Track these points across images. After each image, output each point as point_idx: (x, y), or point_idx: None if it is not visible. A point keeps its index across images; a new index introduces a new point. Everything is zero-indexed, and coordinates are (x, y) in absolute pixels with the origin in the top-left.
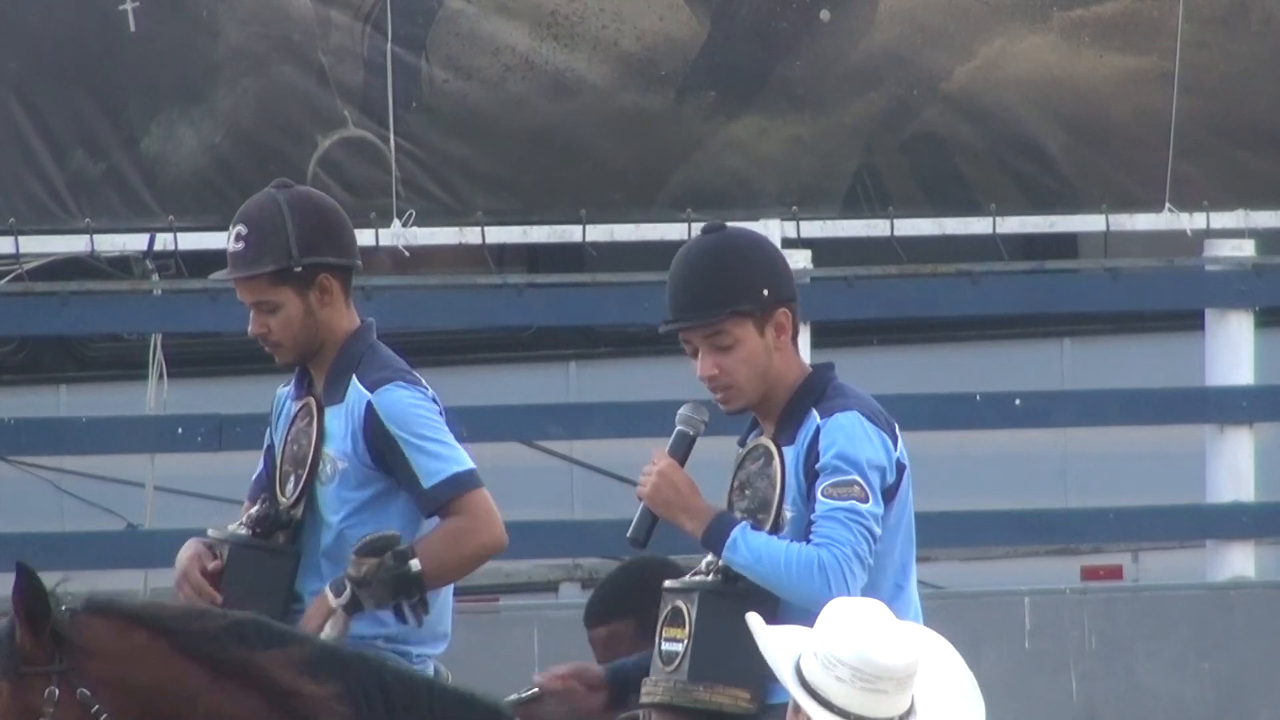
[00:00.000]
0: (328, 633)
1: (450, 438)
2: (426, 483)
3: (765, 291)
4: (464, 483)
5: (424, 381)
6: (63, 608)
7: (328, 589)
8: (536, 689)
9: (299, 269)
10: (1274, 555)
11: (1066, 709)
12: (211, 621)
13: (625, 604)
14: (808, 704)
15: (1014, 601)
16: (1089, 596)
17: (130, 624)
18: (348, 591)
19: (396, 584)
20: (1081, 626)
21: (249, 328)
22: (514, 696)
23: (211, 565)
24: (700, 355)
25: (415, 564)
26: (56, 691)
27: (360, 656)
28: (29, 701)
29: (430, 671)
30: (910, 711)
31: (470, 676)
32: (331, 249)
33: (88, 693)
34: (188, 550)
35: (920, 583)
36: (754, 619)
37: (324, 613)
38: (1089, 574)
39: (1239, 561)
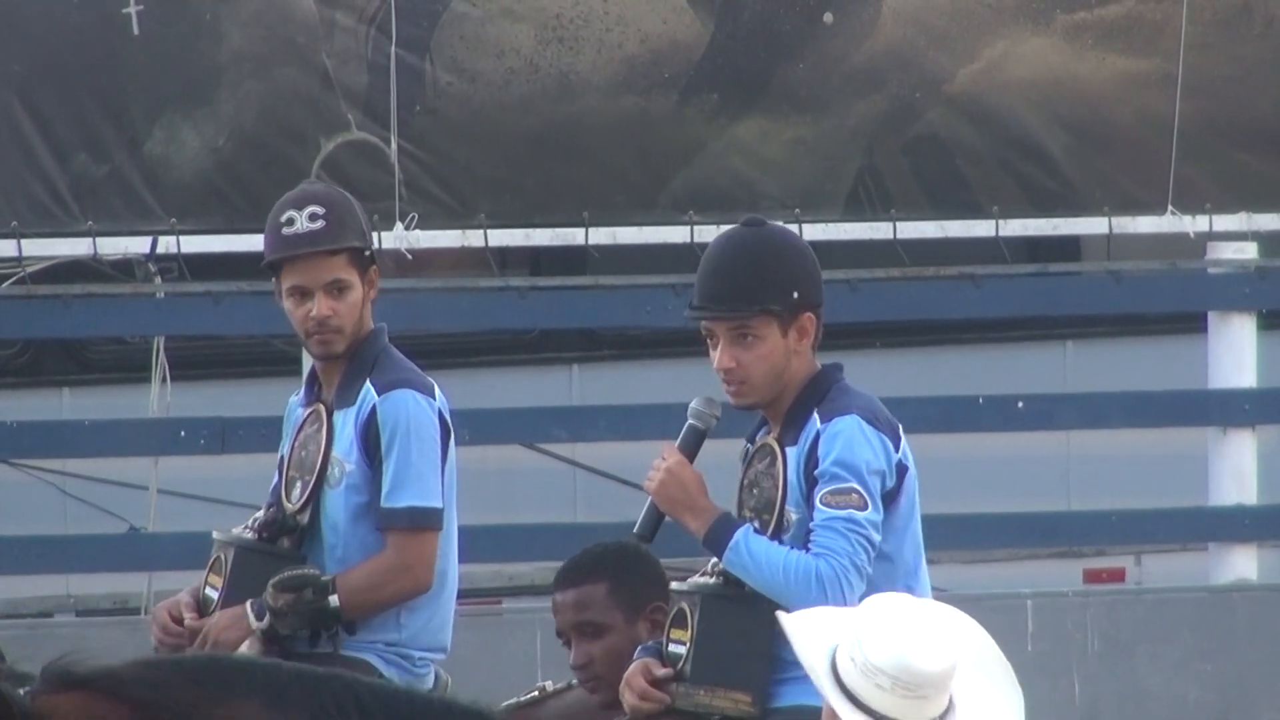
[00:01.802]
0: (243, 652)
1: (434, 465)
2: (385, 501)
3: (795, 294)
4: (416, 519)
5: (437, 391)
6: (22, 691)
7: (249, 609)
8: (536, 692)
9: (368, 253)
10: (1276, 558)
11: (1069, 712)
12: (164, 671)
13: (600, 568)
14: (846, 712)
15: (1016, 604)
16: (1091, 599)
17: (84, 693)
18: (267, 618)
19: (314, 616)
20: (1084, 629)
21: (312, 311)
22: (514, 700)
23: (189, 616)
24: (720, 347)
25: (334, 600)
26: None
27: (334, 676)
28: None
29: (431, 676)
30: (950, 709)
31: (472, 678)
32: (369, 245)
33: None
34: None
35: None
36: (787, 618)
37: (243, 629)
38: (1091, 576)
39: (1241, 564)
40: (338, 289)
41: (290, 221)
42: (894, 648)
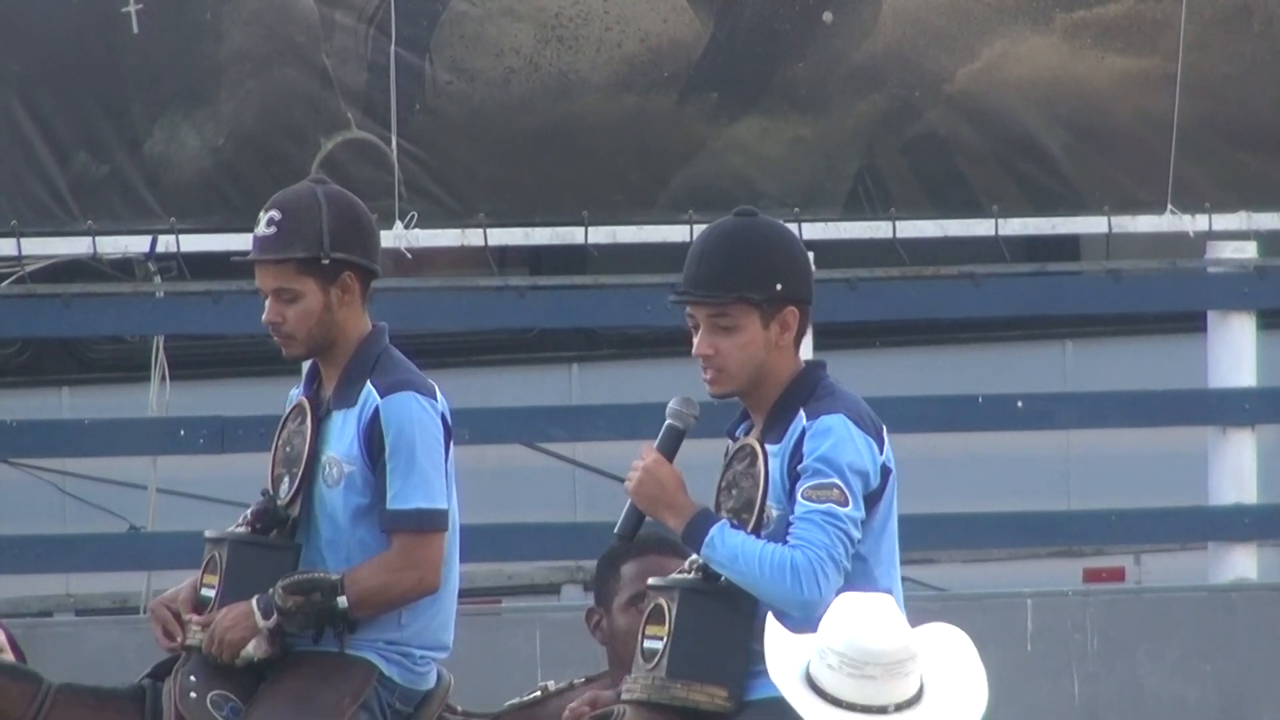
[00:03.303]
0: (250, 652)
1: (439, 468)
2: (390, 504)
3: (778, 286)
4: (421, 521)
5: (438, 393)
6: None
7: (255, 606)
8: (539, 692)
9: (326, 261)
10: (1276, 557)
11: (1069, 711)
12: None
13: (665, 540)
14: (793, 691)
15: (1016, 603)
16: (1091, 598)
17: None
18: (275, 618)
19: (322, 616)
20: (1084, 628)
21: (263, 315)
22: (516, 700)
23: (188, 615)
24: (700, 332)
25: (343, 601)
26: None
27: None
28: None
29: (433, 675)
30: (918, 697)
31: (472, 678)
32: (360, 249)
33: None
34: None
35: (922, 584)
36: (774, 624)
37: (249, 628)
38: (1091, 576)
39: (1241, 563)
40: (286, 297)
41: (258, 223)
42: (844, 629)
